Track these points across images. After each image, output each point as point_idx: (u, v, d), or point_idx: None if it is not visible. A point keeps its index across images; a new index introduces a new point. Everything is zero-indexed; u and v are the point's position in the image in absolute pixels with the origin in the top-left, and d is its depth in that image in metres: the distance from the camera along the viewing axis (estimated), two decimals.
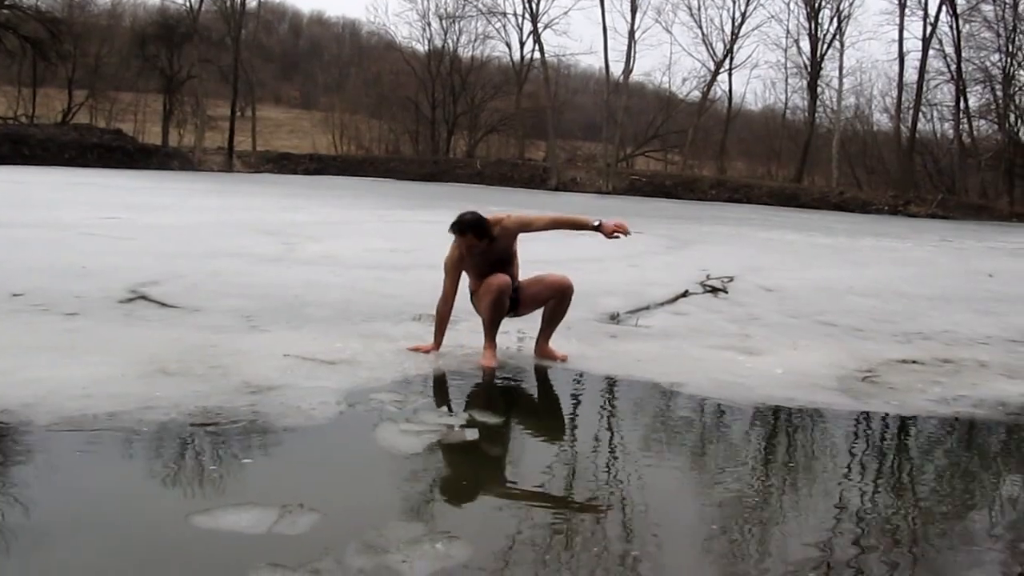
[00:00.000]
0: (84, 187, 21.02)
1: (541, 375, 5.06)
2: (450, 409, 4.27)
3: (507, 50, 62.60)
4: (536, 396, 4.69)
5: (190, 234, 11.62)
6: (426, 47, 50.18)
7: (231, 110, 43.31)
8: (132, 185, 23.24)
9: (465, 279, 5.34)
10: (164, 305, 6.43)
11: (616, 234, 5.01)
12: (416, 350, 5.27)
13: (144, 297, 6.68)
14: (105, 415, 3.81)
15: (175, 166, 38.02)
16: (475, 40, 50.01)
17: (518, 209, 5.57)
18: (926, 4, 38.90)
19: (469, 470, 3.57)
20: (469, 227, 5.09)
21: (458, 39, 49.32)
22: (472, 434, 3.89)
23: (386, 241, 12.12)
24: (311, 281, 7.86)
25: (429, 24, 60.54)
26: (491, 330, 5.14)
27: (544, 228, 5.32)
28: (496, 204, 21.76)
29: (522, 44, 46.93)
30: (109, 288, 6.91)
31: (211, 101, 45.96)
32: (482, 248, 5.17)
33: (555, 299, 5.29)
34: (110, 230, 11.26)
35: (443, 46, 48.78)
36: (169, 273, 7.86)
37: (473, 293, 5.35)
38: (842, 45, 40.48)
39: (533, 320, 5.62)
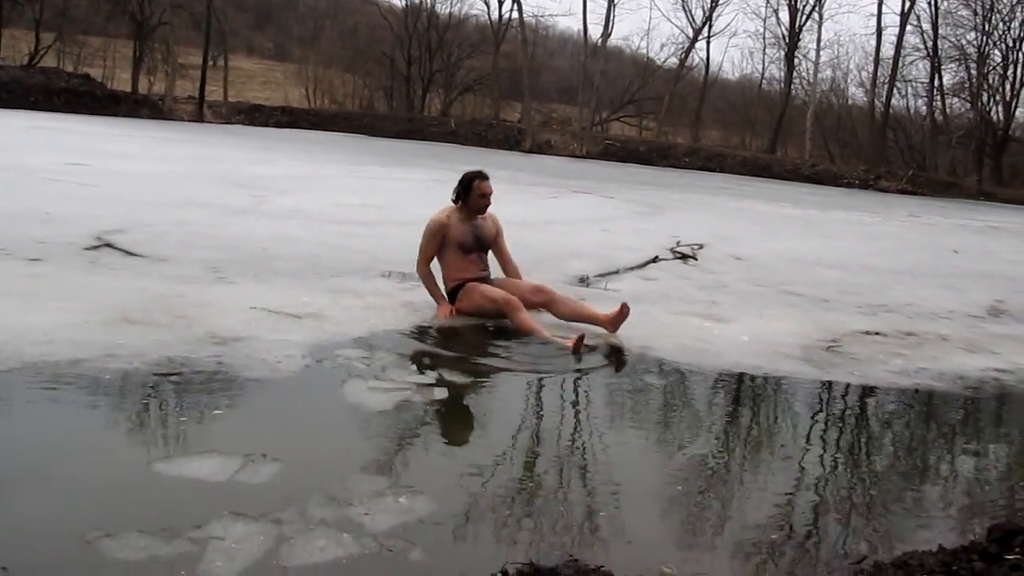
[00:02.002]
0: (50, 131, 20.60)
1: (508, 336, 5.06)
2: (417, 367, 4.26)
3: (485, 8, 62.00)
4: (503, 357, 4.69)
5: (158, 183, 11.44)
6: (403, 2, 49.55)
7: (203, 59, 42.44)
8: (100, 131, 22.81)
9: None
10: (130, 254, 6.35)
11: (539, 308, 5.38)
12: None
13: (109, 245, 6.58)
14: (67, 362, 3.77)
15: (144, 114, 37.25)
16: None
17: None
18: None
19: (435, 428, 3.57)
20: (487, 175, 5.36)
21: None
22: (439, 393, 3.89)
23: (356, 197, 12.02)
24: (280, 234, 7.79)
25: None
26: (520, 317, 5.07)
27: (505, 252, 5.60)
28: (470, 164, 21.59)
29: (500, 3, 46.53)
30: (73, 235, 6.81)
31: (182, 49, 45.04)
32: (485, 206, 5.36)
33: (543, 304, 5.31)
34: (76, 176, 11.06)
35: (421, 2, 48.13)
36: (136, 222, 7.75)
37: (452, 293, 5.34)
38: (821, 17, 40.42)
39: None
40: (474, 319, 5.22)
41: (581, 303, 5.37)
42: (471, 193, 5.29)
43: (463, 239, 5.32)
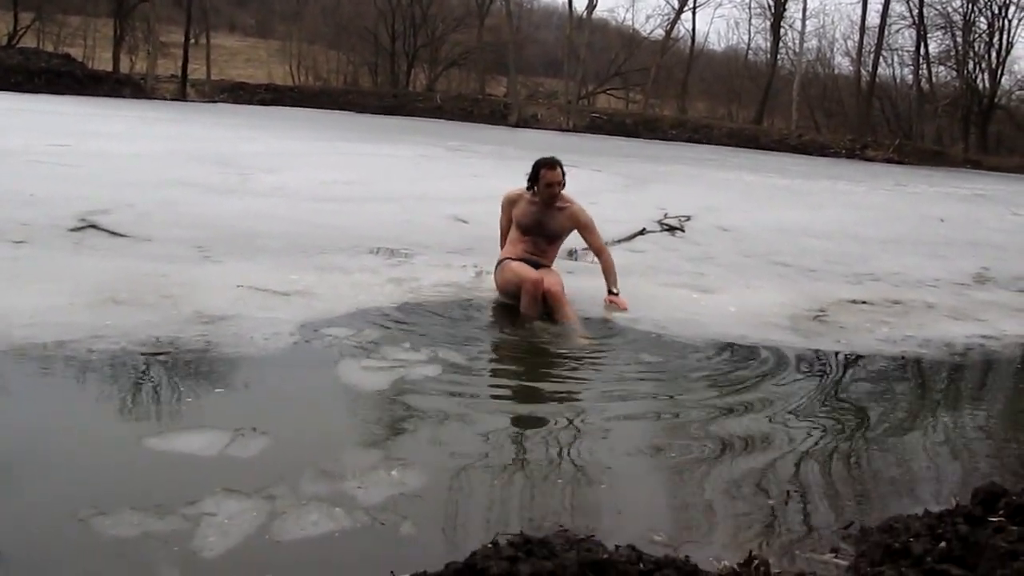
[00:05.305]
0: (31, 113, 20.39)
1: (498, 311, 5.07)
2: (408, 344, 4.25)
3: None
4: (495, 333, 4.70)
5: (142, 163, 11.35)
6: None
7: (185, 37, 41.96)
8: (82, 112, 22.59)
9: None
10: (114, 234, 6.31)
11: (615, 304, 5.28)
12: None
13: (94, 226, 6.54)
14: (53, 343, 3.76)
15: (126, 94, 36.76)
16: None
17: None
18: None
19: (427, 403, 3.55)
20: (559, 162, 5.26)
21: None
22: (430, 369, 3.89)
23: (342, 174, 11.96)
24: (265, 213, 7.76)
25: None
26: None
27: (594, 249, 5.49)
28: (457, 139, 21.52)
29: None
30: (57, 216, 6.76)
31: (163, 27, 44.48)
32: (554, 195, 5.23)
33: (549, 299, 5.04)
34: (58, 157, 10.96)
35: None
36: (119, 202, 7.69)
37: (499, 263, 5.31)
38: None
39: (489, 254, 5.64)
40: (493, 295, 5.25)
41: (575, 322, 4.94)
42: (539, 181, 5.23)
43: (522, 219, 5.29)
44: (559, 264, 5.51)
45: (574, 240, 7.07)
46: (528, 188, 5.30)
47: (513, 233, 5.36)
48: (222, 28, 57.94)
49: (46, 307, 4.25)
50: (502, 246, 5.47)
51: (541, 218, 5.29)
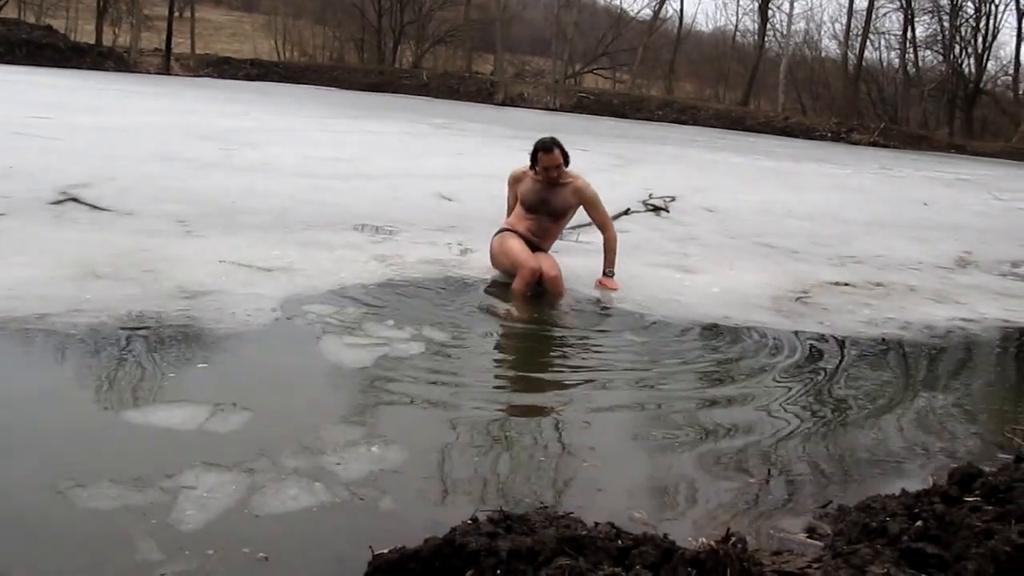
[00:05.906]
0: (12, 84, 20.13)
1: (484, 290, 5.06)
2: (391, 321, 4.24)
3: None
4: (479, 311, 4.69)
5: (124, 137, 11.24)
6: None
7: (169, 9, 41.48)
8: (64, 84, 22.31)
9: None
10: (95, 208, 6.26)
11: (604, 285, 5.29)
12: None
13: (75, 199, 6.48)
14: (33, 316, 3.73)
15: (109, 67, 36.34)
16: None
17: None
18: None
19: (408, 381, 3.54)
20: (558, 144, 5.24)
21: None
22: (413, 347, 3.89)
23: (327, 150, 11.88)
24: (249, 188, 7.70)
25: None
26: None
27: (598, 225, 5.48)
28: (443, 117, 21.42)
29: None
30: (38, 189, 6.69)
31: None
32: (554, 177, 5.22)
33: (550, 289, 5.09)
34: (39, 130, 10.83)
35: None
36: (101, 175, 7.62)
37: (500, 231, 5.31)
38: None
39: (474, 232, 5.62)
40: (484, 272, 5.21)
41: (566, 304, 5.00)
42: (538, 163, 5.23)
43: (525, 197, 5.31)
44: None
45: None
46: (531, 167, 5.31)
47: (518, 210, 5.37)
48: (207, 1, 57.33)
49: (26, 280, 4.22)
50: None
51: (545, 195, 5.29)
